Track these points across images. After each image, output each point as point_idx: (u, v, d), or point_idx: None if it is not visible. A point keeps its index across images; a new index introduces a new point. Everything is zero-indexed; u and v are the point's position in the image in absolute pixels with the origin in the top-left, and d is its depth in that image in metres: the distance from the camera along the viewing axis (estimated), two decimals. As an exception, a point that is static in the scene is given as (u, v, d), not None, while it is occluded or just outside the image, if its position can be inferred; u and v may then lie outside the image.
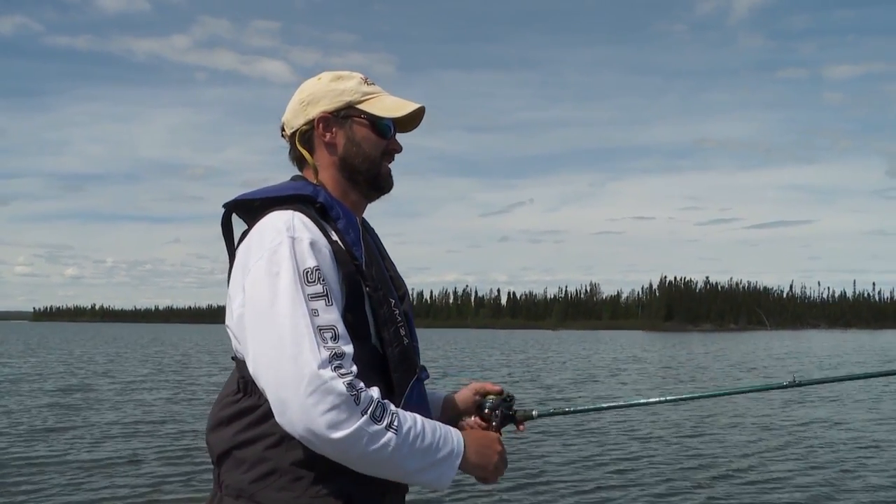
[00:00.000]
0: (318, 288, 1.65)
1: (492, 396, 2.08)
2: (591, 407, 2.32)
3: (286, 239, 1.68)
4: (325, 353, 1.58)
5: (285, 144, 1.99)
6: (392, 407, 1.65)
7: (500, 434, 2.01)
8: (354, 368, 1.62)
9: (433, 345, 55.08)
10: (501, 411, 2.04)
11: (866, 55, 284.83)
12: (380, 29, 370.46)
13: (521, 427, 2.11)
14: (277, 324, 1.61)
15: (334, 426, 1.55)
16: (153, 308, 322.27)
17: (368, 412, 1.58)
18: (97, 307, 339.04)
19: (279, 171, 2.00)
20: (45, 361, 32.56)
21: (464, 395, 2.13)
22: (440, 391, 2.18)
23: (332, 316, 1.64)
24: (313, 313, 1.62)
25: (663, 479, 9.16)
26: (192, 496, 8.26)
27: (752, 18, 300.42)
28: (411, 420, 1.67)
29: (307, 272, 1.65)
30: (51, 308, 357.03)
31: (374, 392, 1.62)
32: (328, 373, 1.56)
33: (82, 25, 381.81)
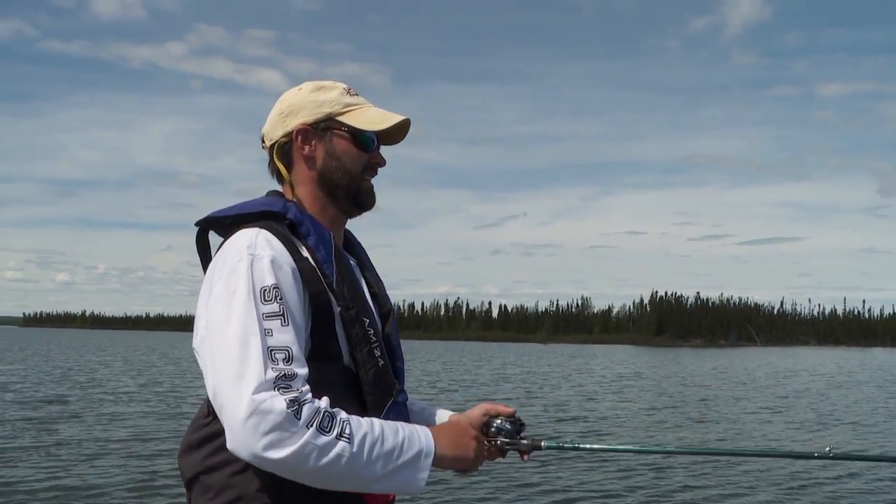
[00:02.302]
0: (275, 307, 1.59)
1: (501, 418, 1.97)
2: (607, 447, 2.15)
3: (246, 257, 1.63)
4: (272, 374, 1.52)
5: None
6: (343, 415, 1.57)
7: (504, 456, 1.94)
8: (305, 388, 1.55)
9: (425, 357, 54.61)
10: (507, 434, 1.93)
11: (857, 74, 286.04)
12: (375, 40, 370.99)
13: (525, 457, 1.98)
14: (227, 344, 1.56)
15: (275, 446, 1.48)
16: (144, 315, 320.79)
17: (314, 424, 1.51)
18: (87, 314, 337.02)
19: (273, 181, 1.94)
20: (23, 369, 31.68)
21: (472, 414, 2.03)
22: (442, 410, 2.08)
23: (286, 336, 1.58)
24: (266, 333, 1.56)
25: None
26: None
27: (745, 36, 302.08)
28: (367, 425, 1.59)
29: (264, 290, 1.60)
30: (41, 314, 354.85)
31: (322, 402, 1.55)
32: (268, 393, 1.50)
33: (77, 31, 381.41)
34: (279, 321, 1.58)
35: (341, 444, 1.53)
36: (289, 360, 1.56)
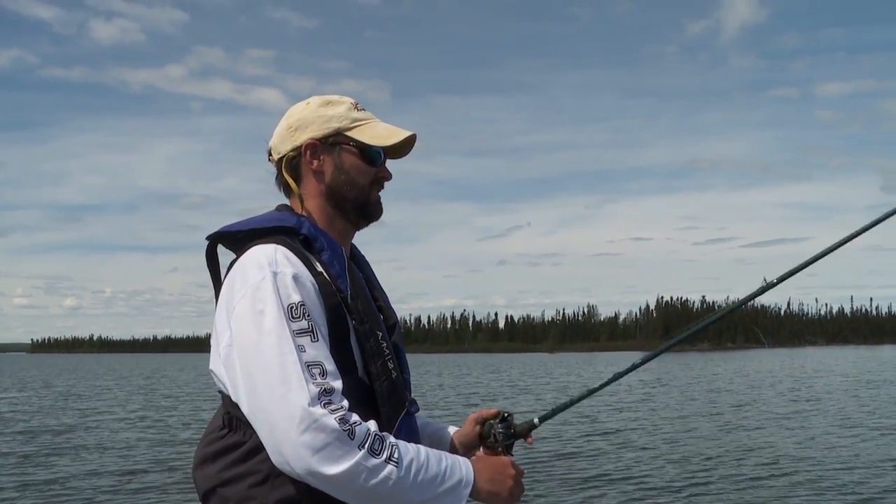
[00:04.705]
0: (304, 324, 1.62)
1: (489, 422, 2.00)
2: (586, 392, 2.13)
3: (269, 274, 1.64)
4: (315, 390, 1.55)
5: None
6: (391, 439, 1.62)
7: (512, 456, 1.93)
8: (346, 403, 1.58)
9: (434, 371, 54.41)
10: (502, 432, 1.95)
11: (857, 73, 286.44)
12: (373, 56, 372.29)
13: (529, 440, 2.02)
14: (265, 363, 1.58)
15: (329, 463, 1.52)
16: (151, 338, 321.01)
17: (366, 446, 1.55)
18: (95, 338, 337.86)
19: (277, 200, 1.95)
20: (21, 398, 31.22)
21: (465, 430, 2.07)
22: (448, 428, 2.13)
23: (319, 352, 1.61)
24: (300, 349, 1.59)
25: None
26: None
27: (743, 38, 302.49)
28: (413, 451, 1.63)
29: (292, 307, 1.62)
30: (49, 339, 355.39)
31: (371, 425, 1.60)
32: (318, 410, 1.53)
33: (77, 57, 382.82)
34: (309, 337, 1.61)
35: (390, 468, 1.57)
36: (324, 374, 1.59)
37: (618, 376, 2.06)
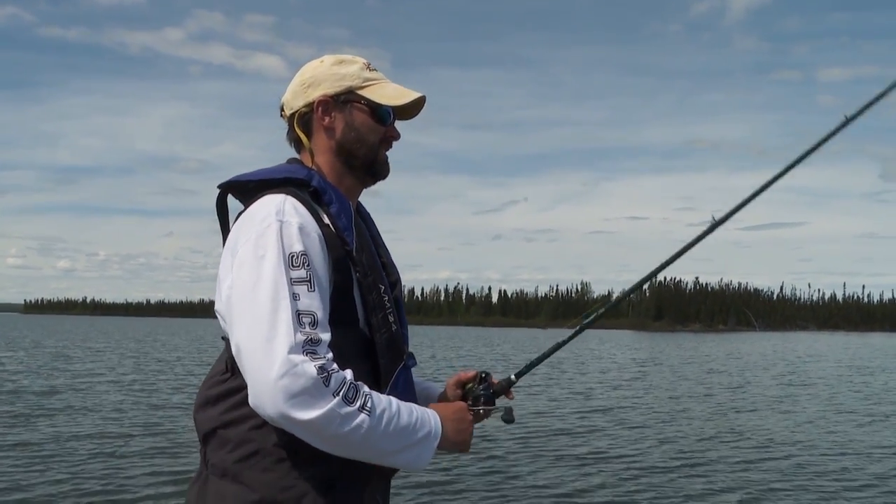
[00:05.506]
0: (302, 273, 1.65)
1: (470, 384, 2.08)
2: (555, 346, 2.22)
3: (275, 222, 1.68)
4: (301, 338, 1.59)
5: (279, 140, 2.00)
6: (365, 388, 1.65)
7: (494, 406, 2.04)
8: (330, 355, 1.62)
9: (426, 342, 54.43)
10: (483, 393, 2.03)
11: (859, 59, 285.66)
12: (374, 24, 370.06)
13: (511, 395, 2.10)
14: (257, 307, 1.61)
15: (304, 408, 1.55)
16: (145, 302, 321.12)
17: (340, 394, 1.58)
18: (89, 300, 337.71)
19: (290, 149, 1.97)
20: (11, 358, 30.65)
21: (448, 394, 2.13)
22: (437, 387, 2.18)
23: (312, 302, 1.64)
24: (294, 297, 1.62)
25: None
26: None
27: (747, 20, 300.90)
28: (386, 402, 1.68)
29: (292, 256, 1.66)
30: (42, 300, 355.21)
31: (347, 374, 1.63)
32: (299, 357, 1.57)
33: (75, 17, 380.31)
34: (306, 286, 1.64)
35: (362, 416, 1.60)
36: (314, 324, 1.62)
37: (581, 330, 2.27)
